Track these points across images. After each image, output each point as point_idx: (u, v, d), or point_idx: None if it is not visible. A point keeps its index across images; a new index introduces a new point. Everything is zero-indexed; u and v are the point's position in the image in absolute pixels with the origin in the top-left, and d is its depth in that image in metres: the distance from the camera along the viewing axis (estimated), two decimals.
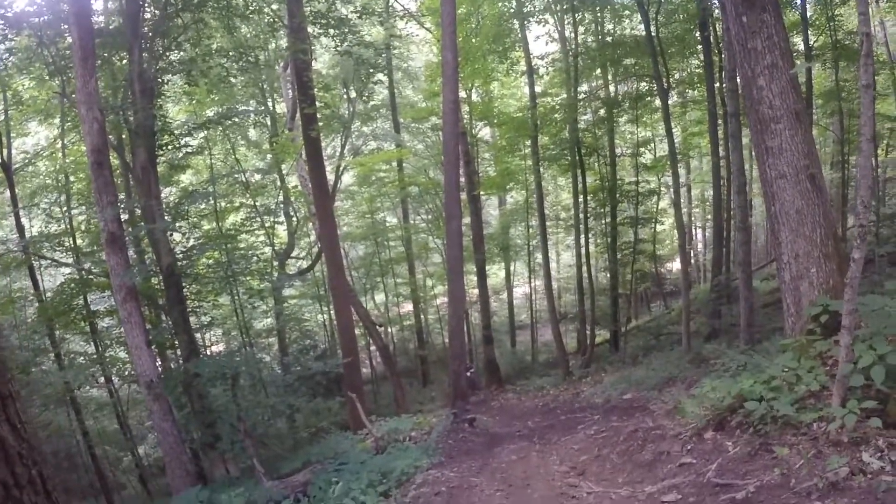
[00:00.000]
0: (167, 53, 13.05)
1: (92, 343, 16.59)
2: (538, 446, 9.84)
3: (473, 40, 19.80)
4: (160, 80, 12.86)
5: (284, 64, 20.83)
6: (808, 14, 17.20)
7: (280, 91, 22.79)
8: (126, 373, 15.02)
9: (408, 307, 30.68)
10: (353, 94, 21.27)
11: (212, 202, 13.30)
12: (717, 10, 16.59)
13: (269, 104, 23.34)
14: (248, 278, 15.10)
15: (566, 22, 21.03)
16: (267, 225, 20.46)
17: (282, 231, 24.08)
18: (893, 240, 13.85)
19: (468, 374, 12.59)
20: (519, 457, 9.09)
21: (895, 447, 4.47)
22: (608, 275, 24.14)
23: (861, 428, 4.81)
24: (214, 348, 21.12)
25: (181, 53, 13.92)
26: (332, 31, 14.25)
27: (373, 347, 25.55)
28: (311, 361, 15.24)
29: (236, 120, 17.83)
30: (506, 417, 15.07)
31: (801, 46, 16.60)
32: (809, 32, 16.84)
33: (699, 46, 18.43)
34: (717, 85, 17.85)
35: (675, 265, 33.82)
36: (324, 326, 27.68)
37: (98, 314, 16.35)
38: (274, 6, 16.04)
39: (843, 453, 4.65)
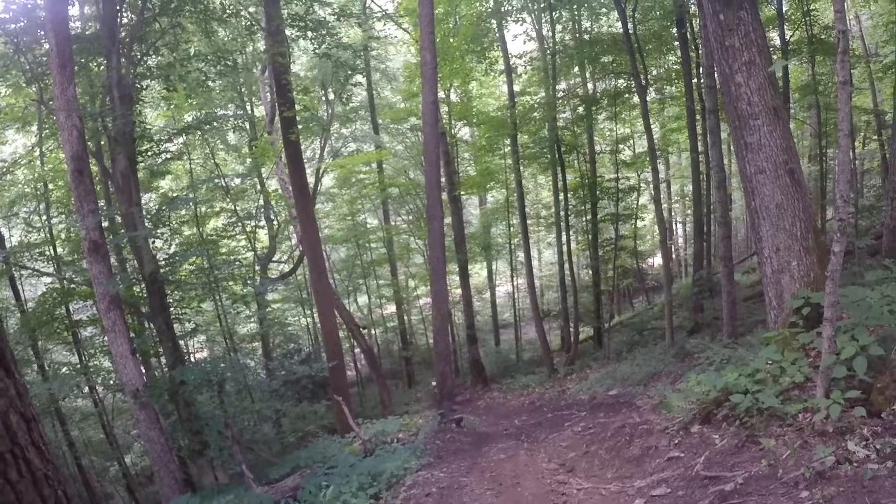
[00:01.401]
0: (145, 58, 12.93)
1: (75, 353, 16.42)
2: (526, 444, 9.89)
3: (451, 40, 19.82)
4: (139, 85, 12.74)
5: (262, 67, 20.74)
6: (784, 9, 17.40)
7: (258, 94, 22.69)
8: (111, 382, 14.88)
9: (391, 309, 30.65)
10: (331, 96, 21.22)
11: (193, 208, 13.24)
12: (693, 7, 16.73)
13: (248, 108, 23.23)
14: (230, 283, 15.05)
15: (543, 20, 21.08)
16: (248, 229, 20.35)
17: (263, 235, 23.99)
18: (872, 231, 14.05)
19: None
20: (507, 455, 9.12)
21: (879, 436, 4.54)
22: (590, 272, 24.25)
23: (846, 418, 4.89)
24: (199, 355, 20.98)
25: (159, 58, 13.80)
26: (310, 34, 14.21)
27: (357, 350, 25.53)
28: (295, 365, 15.21)
29: (215, 124, 17.69)
30: (493, 416, 15.13)
31: (778, 42, 16.78)
32: (785, 27, 17.04)
33: (676, 43, 18.57)
34: (695, 81, 18.01)
35: (657, 260, 34.08)
36: (307, 330, 27.59)
37: (80, 323, 16.18)
38: (251, 9, 15.98)
39: (828, 443, 4.73)
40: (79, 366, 15.53)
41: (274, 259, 24.08)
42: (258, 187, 21.93)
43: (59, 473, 2.26)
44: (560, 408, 13.52)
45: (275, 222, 22.90)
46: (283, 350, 19.18)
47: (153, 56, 13.39)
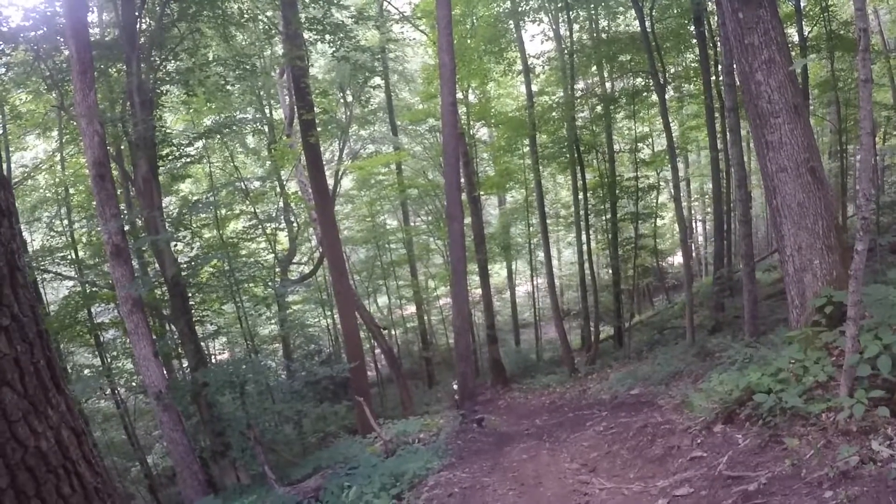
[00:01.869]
0: (164, 64, 13.05)
1: (98, 355, 16.61)
2: (548, 444, 9.88)
3: (469, 42, 19.83)
4: (158, 90, 12.87)
5: (281, 70, 20.86)
6: (803, 5, 17.24)
7: (277, 97, 22.82)
8: (133, 384, 15.04)
9: (411, 309, 30.73)
10: (349, 99, 21.29)
11: (213, 211, 13.36)
12: (710, 4, 16.63)
13: (267, 111, 23.37)
14: (251, 286, 15.16)
15: (561, 20, 21.03)
16: (268, 232, 20.48)
17: (283, 237, 24.12)
18: (894, 228, 13.89)
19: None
20: (529, 455, 9.12)
21: None
22: (610, 271, 24.17)
23: (869, 417, 4.85)
24: (220, 357, 21.14)
25: (178, 63, 13.92)
26: (328, 37, 14.26)
27: (377, 350, 25.60)
28: (316, 366, 15.29)
29: (235, 128, 17.82)
30: (513, 416, 15.11)
31: (796, 38, 16.63)
32: (804, 23, 16.88)
33: (694, 41, 18.46)
34: (713, 78, 17.88)
35: (677, 259, 33.85)
36: (327, 331, 27.71)
37: (103, 326, 16.36)
38: (269, 13, 16.06)
39: (852, 443, 4.69)
40: (101, 368, 15.71)
41: (294, 261, 24.23)
42: (278, 190, 22.07)
43: (108, 486, 2.28)
44: (581, 407, 13.48)
45: (295, 224, 23.05)
46: (304, 351, 19.27)
47: (172, 61, 13.51)
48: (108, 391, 15.96)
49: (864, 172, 5.81)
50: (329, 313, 25.85)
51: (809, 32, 17.26)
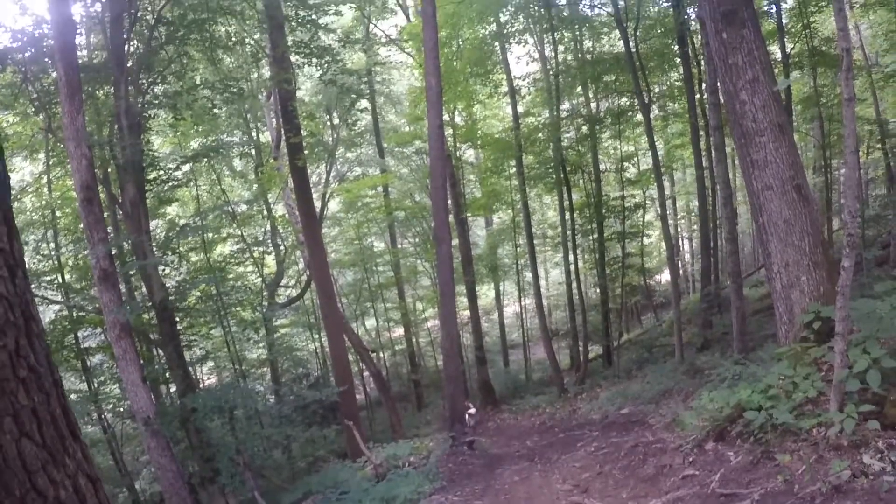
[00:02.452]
0: (153, 87, 13.05)
1: (85, 380, 16.41)
2: (539, 465, 9.85)
3: (455, 64, 19.96)
4: (146, 114, 12.86)
5: (267, 93, 20.91)
6: (784, 23, 17.52)
7: (264, 120, 22.86)
8: (120, 409, 14.85)
9: (399, 332, 30.62)
10: (336, 121, 21.34)
11: (201, 235, 13.31)
12: (694, 24, 16.85)
13: (254, 134, 23.39)
14: (238, 310, 15.07)
15: (546, 41, 21.24)
16: (255, 255, 20.41)
17: (270, 260, 24.03)
18: (879, 241, 14.03)
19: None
20: (521, 477, 9.09)
21: (894, 448, 4.52)
22: (598, 290, 24.21)
23: (860, 431, 4.87)
24: (208, 382, 20.94)
25: (166, 86, 13.92)
26: (315, 61, 14.33)
27: (366, 373, 25.46)
28: (304, 390, 15.19)
29: (222, 151, 17.82)
30: (504, 438, 15.04)
31: (779, 55, 16.88)
32: (786, 40, 17.15)
33: (678, 60, 18.68)
34: (698, 97, 18.08)
35: (664, 277, 33.97)
36: (316, 354, 27.55)
37: (90, 351, 16.19)
38: (256, 37, 16.12)
39: (844, 457, 4.71)
40: (88, 393, 15.52)
41: (282, 284, 24.13)
42: (265, 213, 22.03)
43: None
44: (571, 427, 13.45)
45: (282, 247, 22.98)
46: (292, 375, 19.11)
47: (160, 84, 13.51)
48: (96, 416, 15.75)
49: (850, 189, 5.89)
50: (317, 337, 25.73)
51: (792, 49, 17.53)
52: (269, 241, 22.10)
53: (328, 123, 21.87)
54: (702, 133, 17.93)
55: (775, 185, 7.88)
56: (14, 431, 1.85)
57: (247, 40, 15.83)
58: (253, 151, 22.33)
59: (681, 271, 31.13)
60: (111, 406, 15.06)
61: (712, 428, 7.02)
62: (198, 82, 14.42)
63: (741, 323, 11.22)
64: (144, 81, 12.66)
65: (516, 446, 13.02)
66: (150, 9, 12.62)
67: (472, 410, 13.22)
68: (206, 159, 16.71)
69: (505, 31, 20.28)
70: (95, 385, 15.80)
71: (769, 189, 7.93)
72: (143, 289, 13.04)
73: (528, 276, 24.78)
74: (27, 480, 1.86)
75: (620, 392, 14.93)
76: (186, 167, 15.37)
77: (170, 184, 14.41)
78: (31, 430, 1.91)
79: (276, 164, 20.37)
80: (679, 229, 32.58)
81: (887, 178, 19.86)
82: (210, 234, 15.88)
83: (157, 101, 13.23)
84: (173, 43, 12.64)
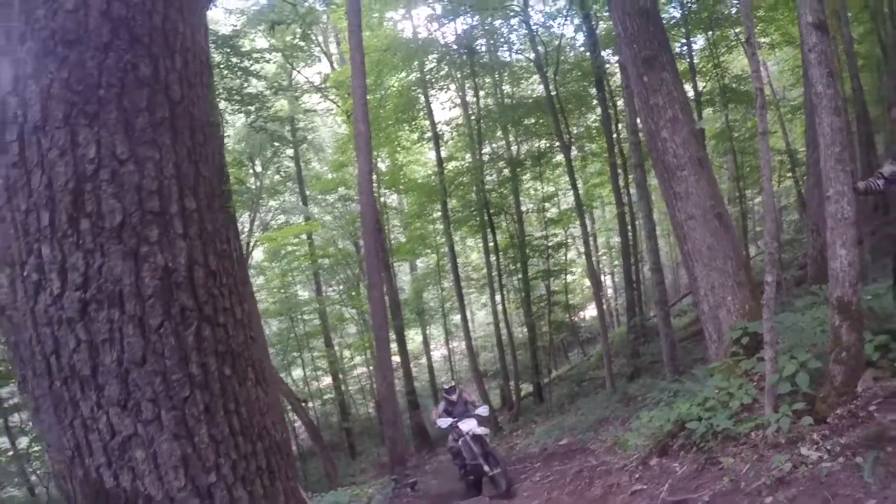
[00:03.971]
0: None
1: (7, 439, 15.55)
2: (488, 498, 9.97)
3: (381, 111, 20.36)
4: None
5: None
6: (696, 62, 18.74)
7: None
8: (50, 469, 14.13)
9: (327, 380, 30.25)
10: (259, 168, 21.31)
11: None
12: (609, 66, 17.79)
13: None
14: None
15: (467, 87, 21.92)
16: None
17: None
18: (795, 263, 15.01)
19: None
20: None
21: (828, 438, 4.95)
22: (525, 329, 24.66)
23: (795, 428, 5.28)
24: None
25: None
26: (244, 108, 14.41)
27: (297, 423, 25.02)
28: None
29: None
30: (444, 479, 15.00)
31: (692, 93, 17.95)
32: (698, 79, 18.32)
33: (595, 102, 19.59)
34: (615, 136, 18.97)
35: (588, 313, 34.86)
36: None
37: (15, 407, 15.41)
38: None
39: (783, 452, 5.10)
40: (11, 453, 14.73)
41: None
42: None
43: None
44: (512, 462, 13.56)
45: None
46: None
47: None
48: (23, 478, 14.93)
49: (768, 213, 6.44)
50: None
51: (704, 88, 18.73)
52: None
53: (252, 171, 21.81)
54: (619, 171, 18.79)
55: (697, 215, 8.45)
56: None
57: None
58: None
59: (605, 306, 32.02)
60: (40, 466, 14.33)
61: (655, 444, 7.34)
62: None
63: (671, 348, 11.76)
64: None
65: (456, 486, 13.06)
66: None
67: (417, 484, 12.86)
68: None
69: (427, 77, 20.83)
70: (25, 443, 15.02)
71: (692, 218, 8.50)
72: None
73: (455, 318, 25.08)
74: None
75: (556, 425, 15.19)
76: None
77: None
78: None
79: None
80: (601, 265, 33.63)
81: (799, 204, 21.18)
82: None
83: None
84: None
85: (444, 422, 10.49)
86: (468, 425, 10.14)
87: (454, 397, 10.91)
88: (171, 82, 2.14)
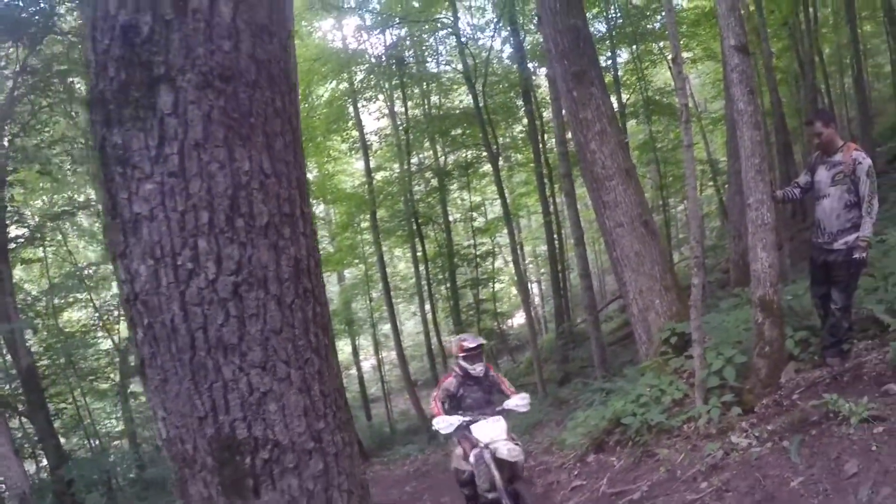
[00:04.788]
0: (16, 139, 12.44)
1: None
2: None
3: (311, 121, 20.31)
4: (10, 168, 12.20)
5: None
6: (621, 75, 19.48)
7: None
8: None
9: None
10: None
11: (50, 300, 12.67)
12: (536, 79, 18.28)
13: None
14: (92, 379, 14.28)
15: (396, 97, 22.08)
16: (104, 320, 19.38)
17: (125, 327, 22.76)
18: (718, 268, 15.79)
19: None
20: None
21: (756, 426, 5.37)
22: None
23: (725, 419, 5.70)
24: (77, 453, 19.35)
25: (28, 140, 13.28)
26: None
27: None
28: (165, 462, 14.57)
29: (76, 210, 16.94)
30: (381, 488, 15.02)
31: (616, 105, 18.61)
32: (623, 91, 19.04)
33: (522, 113, 20.06)
34: (541, 147, 19.48)
35: (516, 321, 35.38)
36: None
37: None
38: None
39: (715, 441, 5.49)
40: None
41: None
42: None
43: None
44: (449, 469, 13.75)
45: None
46: (152, 446, 18.07)
47: (24, 137, 12.90)
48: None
49: (694, 220, 6.92)
50: None
51: (628, 99, 19.47)
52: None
53: None
54: (546, 180, 19.28)
55: (626, 223, 8.90)
56: None
57: None
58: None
59: (533, 313, 32.59)
60: None
61: (591, 442, 7.69)
62: (55, 138, 13.83)
63: (601, 351, 12.22)
64: (8, 133, 12.07)
65: (396, 493, 13.13)
66: (13, 58, 12.13)
67: None
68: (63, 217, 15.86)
69: (357, 87, 20.92)
70: None
71: (620, 226, 8.94)
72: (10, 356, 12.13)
73: (385, 328, 25.08)
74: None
75: None
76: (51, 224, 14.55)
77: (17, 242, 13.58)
78: None
79: None
80: (528, 273, 34.20)
81: (720, 212, 22.16)
82: (56, 300, 15.05)
83: (20, 156, 12.57)
84: (35, 93, 12.18)
85: (446, 424, 5.91)
86: (490, 431, 5.96)
87: (478, 369, 6.46)
88: (292, 113, 2.67)
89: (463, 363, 6.45)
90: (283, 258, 2.55)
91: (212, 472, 2.51)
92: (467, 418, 6.03)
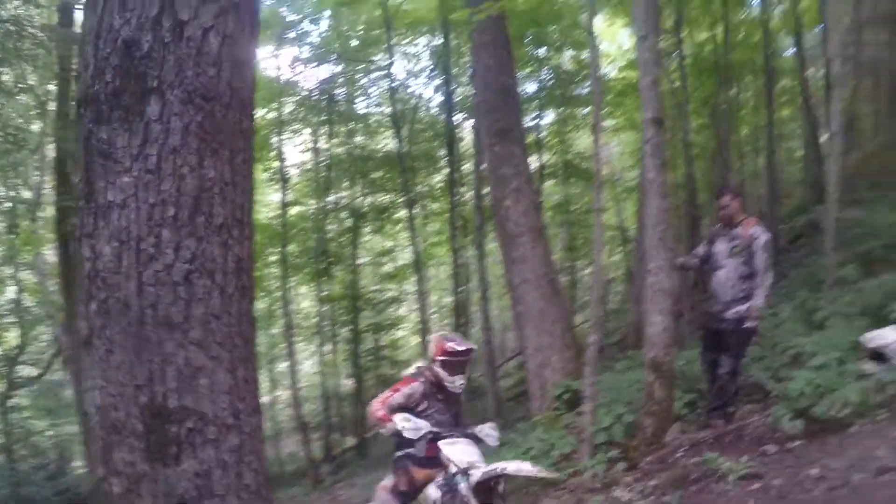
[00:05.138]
0: None
1: None
2: None
3: None
4: None
5: (38, 147, 19.10)
6: (544, 136, 20.16)
7: (25, 176, 20.65)
8: None
9: None
10: None
11: None
12: (459, 131, 18.61)
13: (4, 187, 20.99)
14: None
15: (321, 133, 22.03)
16: None
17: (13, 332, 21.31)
18: (619, 331, 16.21)
19: None
20: None
21: (640, 481, 5.59)
22: (352, 381, 24.55)
23: (610, 474, 5.89)
24: None
25: None
26: None
27: None
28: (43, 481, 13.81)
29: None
30: None
31: (537, 164, 19.16)
32: (544, 152, 19.67)
33: (443, 163, 20.33)
34: (457, 198, 19.72)
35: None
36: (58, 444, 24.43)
37: None
38: (51, 87, 15.05)
39: (599, 494, 5.66)
40: None
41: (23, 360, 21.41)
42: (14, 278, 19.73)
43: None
44: None
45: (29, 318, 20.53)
46: (33, 464, 16.91)
47: None
48: None
49: (597, 280, 7.23)
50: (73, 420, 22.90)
51: (547, 161, 20.05)
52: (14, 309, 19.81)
53: None
54: (457, 232, 19.44)
55: (532, 280, 9.18)
56: None
57: (35, 89, 14.81)
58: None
59: None
60: None
61: None
62: None
63: (497, 405, 12.35)
64: None
65: None
66: None
67: None
68: None
69: (284, 119, 20.81)
70: None
71: (526, 282, 9.22)
72: None
73: (282, 366, 24.50)
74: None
75: (379, 479, 15.17)
76: None
77: None
78: None
79: (34, 225, 18.53)
80: (430, 324, 34.12)
81: (626, 278, 22.77)
82: None
83: None
84: None
85: (413, 425, 4.48)
86: (469, 453, 4.62)
87: (457, 383, 4.94)
88: (250, 133, 3.13)
89: (440, 370, 4.83)
90: (229, 255, 2.96)
91: (139, 437, 2.79)
92: (435, 429, 4.62)
